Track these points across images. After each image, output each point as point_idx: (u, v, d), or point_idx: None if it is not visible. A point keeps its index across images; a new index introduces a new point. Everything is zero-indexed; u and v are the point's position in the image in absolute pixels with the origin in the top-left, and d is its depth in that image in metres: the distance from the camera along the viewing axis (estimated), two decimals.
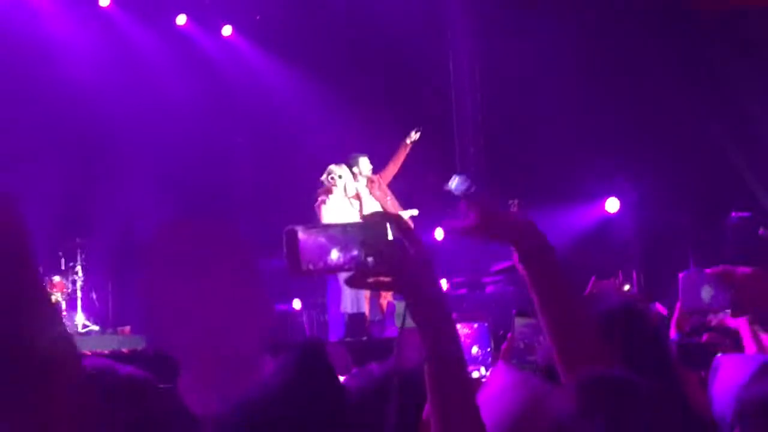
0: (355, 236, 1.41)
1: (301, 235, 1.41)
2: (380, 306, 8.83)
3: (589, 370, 1.55)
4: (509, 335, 2.33)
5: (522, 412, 1.66)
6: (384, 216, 1.45)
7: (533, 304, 1.74)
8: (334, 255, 1.41)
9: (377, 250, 1.40)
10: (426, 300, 1.41)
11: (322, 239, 1.41)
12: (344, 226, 1.44)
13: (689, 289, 2.23)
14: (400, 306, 8.53)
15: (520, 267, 1.69)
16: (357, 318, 8.12)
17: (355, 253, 1.41)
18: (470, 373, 1.86)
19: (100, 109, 10.84)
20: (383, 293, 8.89)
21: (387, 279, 1.43)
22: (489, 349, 1.87)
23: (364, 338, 7.88)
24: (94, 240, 10.25)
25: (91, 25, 11.36)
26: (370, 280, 1.43)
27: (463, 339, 1.86)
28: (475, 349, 1.86)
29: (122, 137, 11.01)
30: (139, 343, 8.19)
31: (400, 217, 1.45)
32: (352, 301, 8.45)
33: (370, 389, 2.63)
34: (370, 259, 1.40)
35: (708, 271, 2.24)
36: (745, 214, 9.22)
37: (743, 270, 2.18)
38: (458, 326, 1.85)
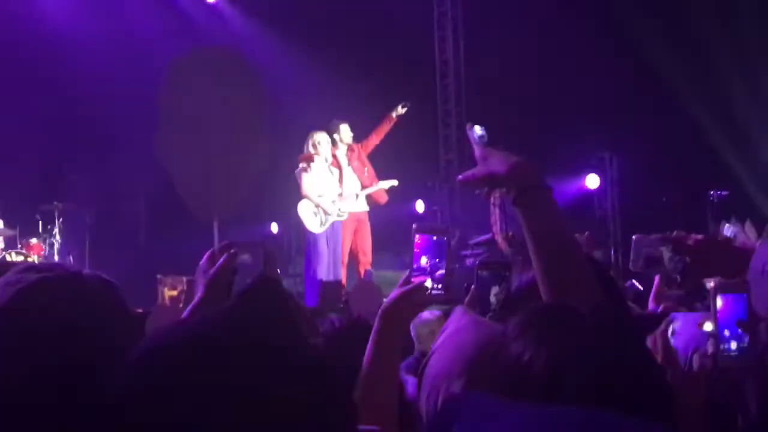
0: None
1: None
2: (358, 273, 8.77)
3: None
4: (472, 287, 2.34)
5: (481, 349, 1.68)
6: None
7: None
8: None
9: None
10: None
11: None
12: None
13: (639, 250, 2.26)
14: (377, 274, 8.55)
15: (514, 205, 1.62)
16: (333, 285, 8.04)
17: None
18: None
19: (82, 72, 10.74)
20: (361, 261, 8.86)
21: None
22: (437, 260, 1.85)
23: (341, 305, 7.82)
24: (73, 204, 10.17)
25: None
26: None
27: (415, 248, 1.85)
28: (424, 260, 1.85)
29: (104, 102, 10.94)
30: None
31: None
32: (329, 267, 8.40)
33: (331, 335, 2.73)
34: None
35: (661, 235, 2.24)
36: (723, 192, 9.30)
37: (695, 237, 2.18)
38: (416, 236, 1.84)
